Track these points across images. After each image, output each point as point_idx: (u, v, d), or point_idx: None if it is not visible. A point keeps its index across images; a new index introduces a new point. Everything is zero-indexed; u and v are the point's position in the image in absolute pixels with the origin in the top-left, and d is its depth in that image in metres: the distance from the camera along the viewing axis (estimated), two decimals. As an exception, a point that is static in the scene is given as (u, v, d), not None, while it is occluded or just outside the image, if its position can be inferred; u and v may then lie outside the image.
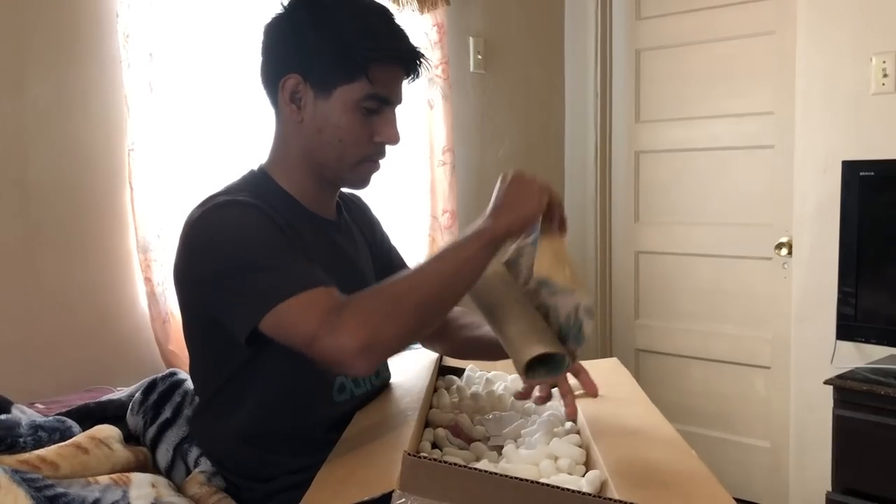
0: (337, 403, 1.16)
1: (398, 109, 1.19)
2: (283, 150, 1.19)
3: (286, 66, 1.14)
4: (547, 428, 1.11)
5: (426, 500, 0.69)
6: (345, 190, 1.28)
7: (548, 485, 0.73)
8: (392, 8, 2.49)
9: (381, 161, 1.20)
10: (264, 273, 1.02)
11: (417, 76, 1.18)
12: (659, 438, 1.07)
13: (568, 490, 0.74)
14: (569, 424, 1.14)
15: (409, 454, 0.73)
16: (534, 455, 1.03)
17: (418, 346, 1.46)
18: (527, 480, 0.73)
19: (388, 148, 1.19)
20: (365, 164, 1.18)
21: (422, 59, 1.16)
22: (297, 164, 1.18)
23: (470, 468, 0.74)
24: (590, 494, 0.76)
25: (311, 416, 1.13)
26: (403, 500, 0.70)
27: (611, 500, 0.75)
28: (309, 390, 1.13)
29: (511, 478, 0.73)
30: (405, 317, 0.99)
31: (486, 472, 0.72)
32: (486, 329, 1.26)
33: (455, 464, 0.73)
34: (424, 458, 0.74)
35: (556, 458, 1.02)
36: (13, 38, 1.79)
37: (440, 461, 0.74)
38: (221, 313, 1.06)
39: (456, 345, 1.39)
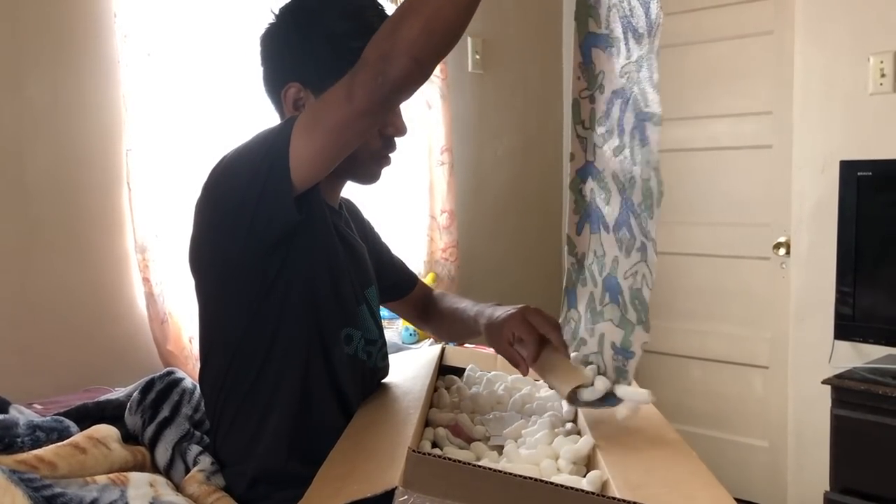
0: (346, 354, 1.16)
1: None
2: None
3: (285, 76, 1.15)
4: (548, 428, 1.11)
5: (429, 497, 0.69)
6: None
7: (552, 483, 0.73)
8: (390, 8, 2.49)
9: (391, 155, 1.21)
10: (262, 153, 1.03)
11: None
12: (659, 439, 1.07)
13: (571, 488, 0.74)
14: (569, 425, 1.14)
15: (413, 451, 0.73)
16: (534, 455, 1.03)
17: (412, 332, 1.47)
18: (531, 478, 0.73)
19: (396, 141, 1.20)
20: (375, 159, 1.19)
21: None
22: None
23: (474, 465, 0.73)
24: (593, 493, 0.76)
25: (321, 360, 1.13)
26: (406, 496, 0.69)
27: (614, 498, 0.74)
28: (325, 326, 1.13)
29: (515, 475, 0.72)
30: (416, 19, 0.94)
31: (490, 469, 0.72)
32: (464, 304, 1.36)
33: (459, 461, 0.73)
34: (429, 454, 0.74)
35: (556, 458, 1.02)
36: (10, 37, 1.78)
37: (445, 458, 0.74)
38: (258, 209, 1.04)
39: (439, 320, 1.45)
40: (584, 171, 1.18)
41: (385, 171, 1.23)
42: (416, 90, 1.00)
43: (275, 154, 1.01)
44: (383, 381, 1.30)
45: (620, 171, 1.10)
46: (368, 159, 1.19)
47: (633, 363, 1.11)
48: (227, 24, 2.17)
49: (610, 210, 1.13)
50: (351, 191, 1.32)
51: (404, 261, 1.52)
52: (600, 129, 1.14)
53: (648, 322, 1.08)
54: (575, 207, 1.21)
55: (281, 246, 1.08)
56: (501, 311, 1.24)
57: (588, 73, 1.15)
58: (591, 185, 1.17)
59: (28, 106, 1.81)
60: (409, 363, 1.41)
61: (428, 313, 1.49)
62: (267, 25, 1.19)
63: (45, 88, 1.83)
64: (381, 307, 1.41)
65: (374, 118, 1.01)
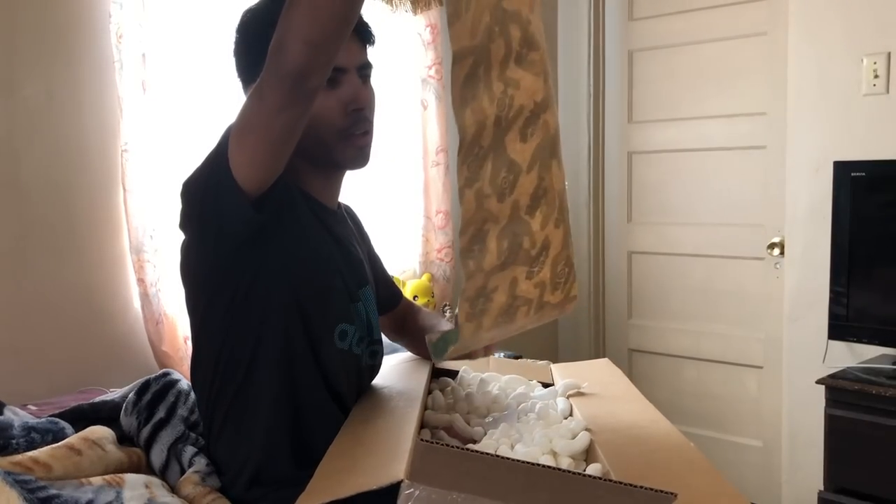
0: (340, 349, 1.17)
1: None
2: None
3: (248, 78, 1.17)
4: (544, 425, 1.11)
5: (435, 489, 0.68)
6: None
7: (559, 469, 0.73)
8: (385, 9, 2.49)
9: (367, 132, 1.18)
10: (207, 165, 1.07)
11: (370, 36, 1.18)
12: (657, 432, 1.08)
13: (578, 473, 0.74)
14: (565, 421, 1.15)
15: (422, 440, 0.73)
16: (532, 452, 1.03)
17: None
18: (538, 465, 0.73)
19: (374, 118, 1.19)
20: (347, 138, 1.17)
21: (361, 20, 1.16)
22: (292, 160, 1.17)
23: (483, 453, 0.73)
24: (599, 478, 0.76)
25: (309, 358, 1.13)
26: (412, 489, 0.69)
27: (619, 482, 0.74)
28: (315, 323, 1.14)
29: (522, 462, 0.73)
30: (301, 3, 0.92)
31: (498, 456, 0.72)
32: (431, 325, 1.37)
33: (467, 448, 0.73)
34: (437, 443, 0.74)
35: (554, 454, 1.03)
36: (5, 37, 1.78)
37: (453, 446, 0.74)
38: (219, 218, 1.06)
39: (412, 336, 1.45)
40: None
41: (371, 176, 1.23)
42: (325, 73, 0.96)
43: (217, 164, 1.04)
44: (377, 381, 1.30)
45: None
46: (337, 139, 1.16)
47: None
48: (221, 24, 2.16)
49: None
50: (347, 192, 1.32)
51: (392, 275, 1.54)
52: None
53: None
54: None
55: (254, 247, 1.09)
56: None
57: None
58: None
59: (23, 106, 1.81)
60: (403, 364, 1.41)
61: (405, 329, 1.49)
62: (236, 25, 1.21)
63: (39, 89, 1.83)
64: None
65: (292, 111, 0.98)
